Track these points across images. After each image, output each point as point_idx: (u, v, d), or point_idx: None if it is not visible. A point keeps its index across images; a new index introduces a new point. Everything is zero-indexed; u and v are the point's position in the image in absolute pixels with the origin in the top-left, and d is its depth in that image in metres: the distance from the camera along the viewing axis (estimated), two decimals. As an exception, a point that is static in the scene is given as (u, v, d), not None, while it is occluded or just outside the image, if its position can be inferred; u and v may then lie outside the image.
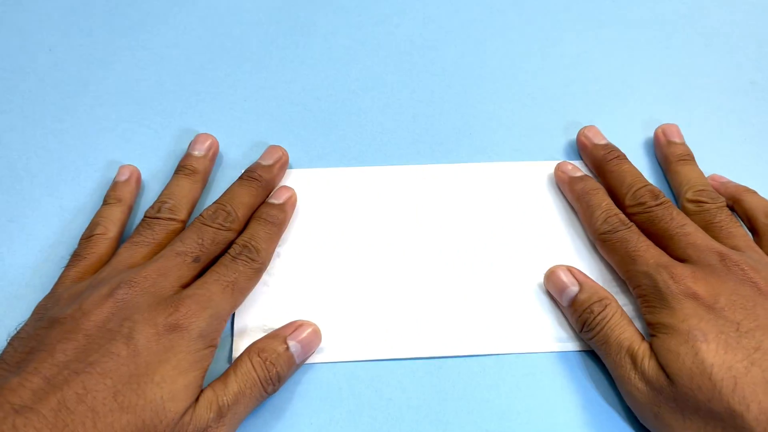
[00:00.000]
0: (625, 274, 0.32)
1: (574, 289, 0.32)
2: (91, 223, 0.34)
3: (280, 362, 0.30)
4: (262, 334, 0.31)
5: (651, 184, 0.34)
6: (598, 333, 0.30)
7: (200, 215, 0.33)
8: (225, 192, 0.34)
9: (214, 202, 0.34)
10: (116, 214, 0.34)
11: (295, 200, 0.36)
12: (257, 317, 0.32)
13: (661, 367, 0.28)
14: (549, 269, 0.33)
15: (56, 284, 0.31)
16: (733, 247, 0.32)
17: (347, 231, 0.35)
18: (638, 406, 0.28)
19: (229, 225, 0.33)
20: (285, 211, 0.35)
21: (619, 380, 0.29)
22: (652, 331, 0.29)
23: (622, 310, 0.31)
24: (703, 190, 0.34)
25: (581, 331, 0.31)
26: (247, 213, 0.34)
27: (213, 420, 0.27)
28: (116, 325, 0.28)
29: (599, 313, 0.30)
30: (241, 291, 0.31)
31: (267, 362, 0.29)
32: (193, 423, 0.27)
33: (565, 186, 0.36)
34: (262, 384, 0.29)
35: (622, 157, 0.36)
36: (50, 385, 0.26)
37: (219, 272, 0.31)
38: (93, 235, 0.33)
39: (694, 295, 0.29)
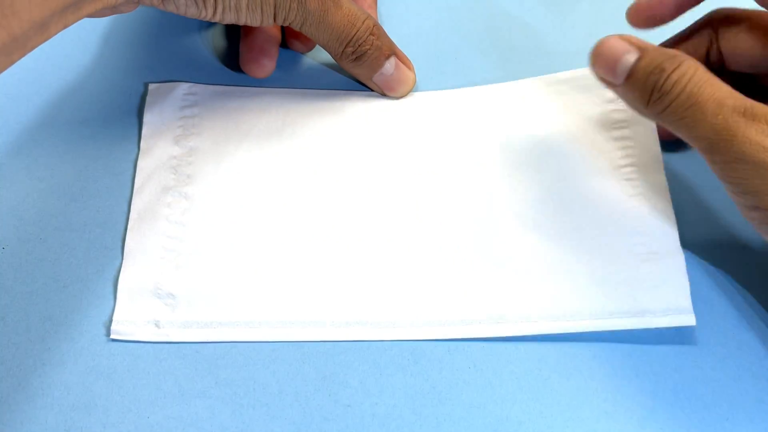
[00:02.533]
0: None
1: (631, 56, 0.25)
2: None
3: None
4: (156, 300, 0.29)
5: None
6: (678, 94, 0.24)
7: None
8: None
9: None
10: None
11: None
12: (149, 275, 0.29)
13: None
14: (597, 42, 0.26)
15: None
16: None
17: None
18: (757, 172, 0.23)
19: None
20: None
21: (722, 146, 0.23)
22: None
23: (707, 69, 0.24)
24: None
25: (648, 103, 0.25)
26: None
27: None
28: None
29: (674, 70, 0.24)
30: None
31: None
32: None
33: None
34: None
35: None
36: None
37: None
38: None
39: None
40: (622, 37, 0.26)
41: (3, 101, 0.35)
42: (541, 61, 0.38)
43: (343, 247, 0.30)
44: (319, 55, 0.37)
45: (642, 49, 0.25)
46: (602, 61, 0.26)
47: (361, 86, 0.36)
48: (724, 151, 0.24)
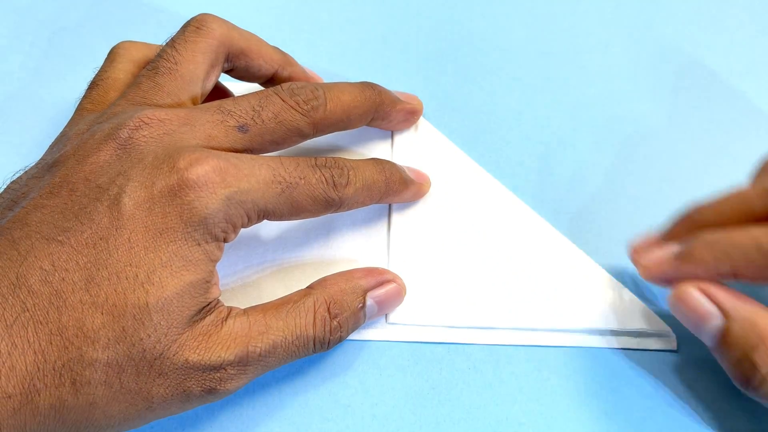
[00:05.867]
0: None
1: (717, 323, 0.23)
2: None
3: (348, 325, 0.24)
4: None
5: None
6: None
7: (276, 85, 0.26)
8: (329, 83, 0.27)
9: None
10: (147, 44, 0.27)
11: (423, 194, 0.30)
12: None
13: None
14: (676, 290, 0.25)
15: (70, 119, 0.25)
16: None
17: None
18: None
19: (308, 109, 0.25)
20: (404, 188, 0.28)
21: None
22: None
23: None
24: None
25: (743, 387, 0.23)
26: (341, 117, 0.26)
27: (231, 364, 0.22)
28: (107, 181, 0.21)
29: None
30: (292, 204, 0.23)
31: (334, 322, 0.24)
32: (199, 354, 0.21)
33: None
34: (313, 344, 0.23)
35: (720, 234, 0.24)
36: (15, 251, 0.20)
37: (279, 162, 0.23)
38: (114, 57, 0.27)
39: None
40: (702, 288, 0.24)
41: (3, 101, 0.35)
42: (542, 60, 0.38)
43: (332, 246, 0.30)
44: (320, 57, 0.37)
45: (727, 310, 0.23)
46: (684, 317, 0.24)
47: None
48: None
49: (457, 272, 0.30)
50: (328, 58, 0.37)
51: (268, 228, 0.31)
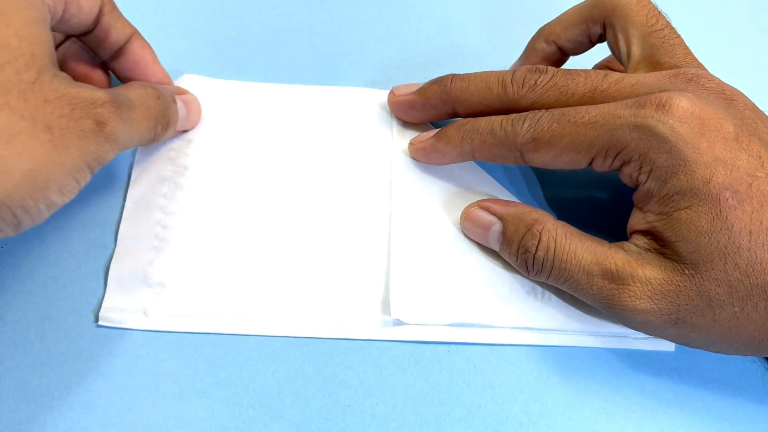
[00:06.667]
0: (587, 153, 0.24)
1: (496, 227, 0.27)
2: None
3: (170, 111, 0.28)
4: (145, 288, 0.28)
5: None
6: (550, 272, 0.26)
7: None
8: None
9: None
10: None
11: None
12: (140, 264, 0.29)
13: (669, 258, 0.23)
14: (462, 212, 0.29)
15: None
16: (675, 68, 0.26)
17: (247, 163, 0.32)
18: (648, 327, 0.24)
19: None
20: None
21: (611, 311, 0.25)
22: (661, 207, 0.23)
23: (563, 224, 0.26)
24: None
25: (530, 275, 0.27)
26: None
27: (103, 102, 0.23)
28: None
29: (537, 249, 0.26)
30: None
31: (161, 99, 0.27)
32: (74, 87, 0.23)
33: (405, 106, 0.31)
34: (155, 117, 0.27)
35: (459, 74, 0.30)
36: None
37: None
38: None
39: (707, 129, 0.22)
40: (481, 205, 0.28)
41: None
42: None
43: (333, 243, 0.30)
44: (320, 57, 0.38)
45: (501, 216, 0.27)
46: (474, 234, 0.29)
47: (355, 83, 0.36)
48: (613, 312, 0.25)
49: (458, 271, 0.30)
50: (327, 57, 0.37)
51: (268, 227, 0.31)
